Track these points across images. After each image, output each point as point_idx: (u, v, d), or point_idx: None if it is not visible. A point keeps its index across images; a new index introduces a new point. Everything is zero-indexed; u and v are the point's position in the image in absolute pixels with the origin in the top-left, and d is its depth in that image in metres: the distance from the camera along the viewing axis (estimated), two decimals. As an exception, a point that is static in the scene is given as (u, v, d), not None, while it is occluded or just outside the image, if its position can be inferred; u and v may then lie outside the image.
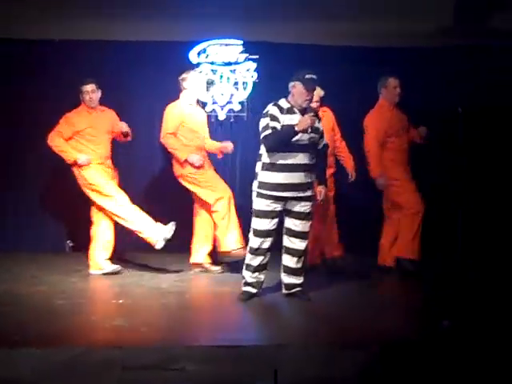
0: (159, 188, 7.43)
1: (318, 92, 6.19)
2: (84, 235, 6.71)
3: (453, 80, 7.23)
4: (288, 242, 5.52)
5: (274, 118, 5.33)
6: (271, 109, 5.39)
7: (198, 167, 6.44)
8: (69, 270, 6.61)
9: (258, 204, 5.44)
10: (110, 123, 6.58)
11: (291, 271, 5.54)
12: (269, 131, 5.32)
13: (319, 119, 5.50)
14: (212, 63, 7.56)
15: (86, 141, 6.44)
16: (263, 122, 5.40)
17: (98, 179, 6.38)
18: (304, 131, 5.25)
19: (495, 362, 4.22)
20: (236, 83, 7.59)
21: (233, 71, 7.60)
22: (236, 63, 7.58)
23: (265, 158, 5.44)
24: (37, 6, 6.69)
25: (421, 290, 5.99)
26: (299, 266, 5.53)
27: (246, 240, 5.69)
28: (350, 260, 6.64)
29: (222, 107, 7.57)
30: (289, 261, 5.53)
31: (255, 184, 5.48)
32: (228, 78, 7.60)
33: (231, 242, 6.38)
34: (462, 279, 6.05)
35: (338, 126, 6.65)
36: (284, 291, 5.62)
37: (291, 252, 5.52)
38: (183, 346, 4.29)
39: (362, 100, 7.03)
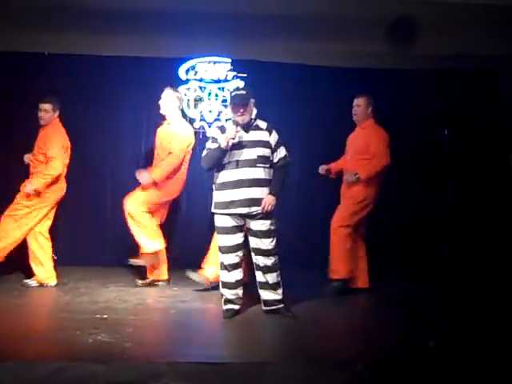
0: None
1: None
2: (66, 248, 6.69)
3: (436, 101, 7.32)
4: (255, 259, 5.57)
5: (213, 140, 5.50)
6: (213, 131, 5.65)
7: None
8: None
9: (217, 221, 5.54)
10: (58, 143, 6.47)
11: (267, 286, 5.55)
12: (204, 153, 5.56)
13: (269, 132, 5.52)
14: (201, 80, 7.60)
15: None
16: (206, 144, 5.60)
17: None
18: (228, 144, 5.32)
19: (482, 380, 4.24)
20: (224, 100, 7.62)
21: (221, 89, 7.64)
22: (225, 81, 7.62)
23: (215, 178, 5.55)
24: (23, 19, 6.70)
25: (406, 311, 5.99)
26: (274, 281, 5.54)
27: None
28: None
29: (210, 124, 7.59)
30: (261, 276, 5.56)
31: (213, 205, 5.55)
32: (216, 95, 7.63)
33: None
34: (447, 298, 6.07)
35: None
36: (264, 307, 5.62)
37: (260, 269, 5.55)
38: (167, 362, 4.26)
39: (350, 119, 7.10)
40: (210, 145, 5.51)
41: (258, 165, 5.43)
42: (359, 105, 6.43)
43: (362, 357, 4.43)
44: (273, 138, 5.53)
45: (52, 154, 6.37)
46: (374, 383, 4.17)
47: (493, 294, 6.37)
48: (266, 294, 5.58)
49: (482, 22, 6.78)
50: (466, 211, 7.24)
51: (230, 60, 7.58)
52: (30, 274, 6.54)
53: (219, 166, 5.45)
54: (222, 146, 5.36)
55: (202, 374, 4.19)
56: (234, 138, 5.35)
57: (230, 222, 5.46)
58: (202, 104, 7.60)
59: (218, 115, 7.62)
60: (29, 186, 6.34)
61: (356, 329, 5.40)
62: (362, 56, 7.23)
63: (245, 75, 7.58)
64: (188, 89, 7.56)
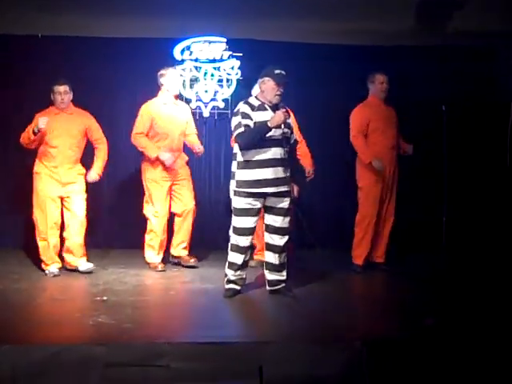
0: (142, 189, 7.36)
1: None
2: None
3: (434, 78, 7.29)
4: (269, 238, 5.54)
5: (245, 116, 5.34)
6: (242, 107, 5.41)
7: (168, 167, 6.45)
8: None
9: (238, 202, 5.45)
10: (79, 126, 6.36)
11: (273, 268, 5.56)
12: (241, 129, 5.34)
13: (289, 115, 5.49)
14: (196, 60, 7.56)
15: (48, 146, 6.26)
16: (235, 120, 5.43)
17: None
18: (277, 127, 5.27)
19: (481, 359, 4.25)
20: (220, 80, 7.58)
21: (217, 68, 7.59)
22: (220, 60, 7.58)
23: (239, 156, 5.46)
24: (19, 2, 6.64)
25: (405, 288, 6.01)
26: (281, 262, 5.54)
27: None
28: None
29: (206, 104, 7.56)
30: (271, 257, 5.55)
31: (233, 183, 5.52)
32: (212, 75, 7.59)
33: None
34: (446, 276, 6.08)
35: (297, 125, 6.65)
36: (268, 288, 5.63)
37: (272, 248, 5.53)
38: (167, 343, 4.27)
39: (346, 97, 7.07)
40: (244, 121, 5.33)
41: (286, 144, 5.40)
42: (383, 82, 6.49)
43: (361, 334, 4.45)
44: (291, 120, 5.50)
45: (100, 138, 6.45)
46: (372, 361, 4.19)
47: (492, 273, 6.38)
48: (270, 275, 5.59)
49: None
50: (464, 188, 7.25)
51: (225, 39, 7.53)
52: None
53: (259, 144, 5.33)
54: (270, 126, 5.25)
55: (202, 354, 4.21)
56: (284, 122, 5.29)
57: (252, 204, 5.39)
58: (197, 84, 7.56)
59: (214, 95, 7.59)
60: (93, 174, 6.34)
61: (355, 307, 5.42)
62: (358, 33, 7.19)
63: (240, 54, 7.54)
64: (183, 69, 7.51)
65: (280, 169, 5.37)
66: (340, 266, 6.65)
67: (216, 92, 7.60)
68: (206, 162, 7.61)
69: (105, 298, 5.47)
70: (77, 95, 6.48)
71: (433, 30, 7.19)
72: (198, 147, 6.63)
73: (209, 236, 7.37)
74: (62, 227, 6.38)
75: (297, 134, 6.37)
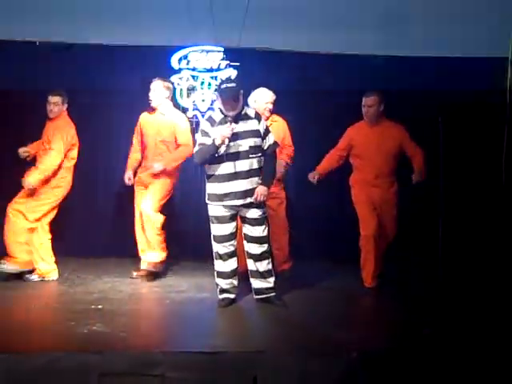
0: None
1: (268, 96, 6.34)
2: (60, 239, 6.66)
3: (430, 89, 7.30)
4: (247, 247, 5.57)
5: (204, 134, 5.44)
6: (202, 124, 5.56)
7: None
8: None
9: (210, 211, 5.52)
10: (62, 138, 6.32)
11: (257, 275, 5.56)
12: (196, 148, 5.50)
13: (258, 120, 5.50)
14: (193, 69, 7.57)
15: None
16: (196, 138, 5.58)
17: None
18: (223, 143, 5.30)
19: (477, 370, 4.25)
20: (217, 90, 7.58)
21: (214, 78, 7.61)
22: (217, 70, 7.59)
23: (207, 169, 5.52)
24: (11, 9, 6.66)
25: (400, 299, 6.00)
26: (264, 269, 5.54)
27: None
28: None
29: (203, 113, 7.56)
30: (252, 265, 5.57)
31: (206, 195, 5.54)
32: (209, 85, 7.60)
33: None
34: (442, 287, 6.08)
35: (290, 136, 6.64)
36: (254, 296, 5.63)
37: (251, 257, 5.55)
38: (162, 352, 4.27)
39: (343, 108, 7.09)
40: (201, 139, 5.45)
41: (251, 156, 5.41)
42: (365, 105, 6.24)
43: (357, 344, 4.45)
44: (262, 126, 5.51)
45: (52, 147, 6.25)
46: (368, 371, 4.18)
47: (488, 281, 6.38)
48: (256, 283, 5.59)
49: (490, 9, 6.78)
50: (460, 199, 7.25)
51: (222, 49, 7.54)
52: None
53: (213, 160, 5.41)
54: (216, 144, 5.32)
55: (197, 363, 4.20)
56: (229, 138, 5.31)
57: (224, 212, 5.46)
58: (194, 93, 7.57)
59: (211, 104, 7.59)
60: (27, 181, 6.19)
61: (350, 317, 5.41)
62: (356, 43, 7.21)
63: (237, 64, 7.55)
64: (180, 78, 7.52)
65: (245, 181, 5.40)
66: (336, 278, 6.65)
67: (213, 101, 7.60)
68: (196, 168, 7.59)
69: (100, 306, 5.46)
70: (71, 103, 6.48)
71: (429, 41, 7.22)
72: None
73: (203, 244, 7.34)
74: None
75: (286, 142, 6.38)
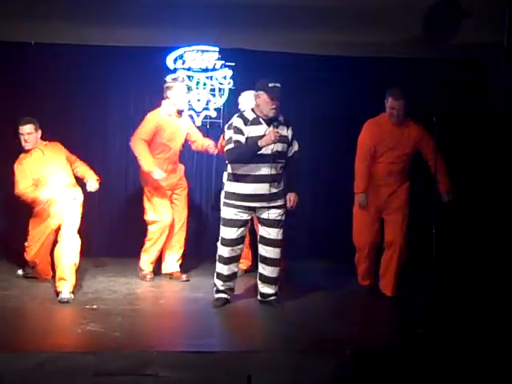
0: (133, 196, 7.37)
1: None
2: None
3: (425, 90, 7.31)
4: (262, 250, 5.54)
5: (237, 131, 5.34)
6: (235, 121, 5.40)
7: (156, 185, 6.42)
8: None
9: (226, 213, 5.46)
10: (56, 164, 6.15)
11: (266, 280, 5.56)
12: (231, 145, 5.35)
13: (287, 126, 5.47)
14: (188, 69, 7.56)
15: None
16: (227, 134, 5.44)
17: None
18: (268, 145, 5.26)
19: (470, 369, 4.27)
20: (212, 90, 7.60)
21: (209, 78, 7.61)
22: (213, 70, 7.59)
23: (229, 168, 5.48)
24: (9, 8, 6.65)
25: (394, 298, 6.01)
26: (273, 275, 5.55)
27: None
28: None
29: (199, 113, 7.57)
30: (263, 269, 5.56)
31: (222, 194, 5.52)
32: (205, 84, 7.60)
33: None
34: (435, 287, 6.09)
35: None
36: (259, 298, 5.65)
37: (265, 261, 5.54)
38: (156, 352, 4.28)
39: (339, 108, 7.11)
40: (236, 136, 5.32)
41: (278, 160, 5.38)
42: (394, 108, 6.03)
43: (350, 344, 4.46)
44: (290, 132, 5.48)
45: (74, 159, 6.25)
46: (361, 370, 4.20)
47: (481, 281, 6.39)
48: (263, 287, 5.60)
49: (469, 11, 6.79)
50: (454, 199, 7.25)
51: (217, 49, 7.54)
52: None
53: (249, 161, 5.32)
54: (260, 145, 5.23)
55: (191, 363, 4.22)
56: (275, 141, 5.26)
57: (240, 216, 5.41)
58: (190, 93, 7.57)
59: (207, 104, 7.60)
60: (93, 183, 6.11)
61: (344, 316, 5.42)
62: (351, 45, 7.21)
63: (233, 64, 7.56)
64: (183, 82, 7.50)
65: (269, 185, 5.37)
66: (331, 277, 6.66)
67: (208, 101, 7.61)
68: (197, 171, 7.61)
69: (94, 306, 5.46)
70: (67, 104, 6.49)
71: (426, 42, 7.23)
72: (212, 149, 6.62)
73: (199, 245, 7.36)
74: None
75: None
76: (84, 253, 6.60)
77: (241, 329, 5.13)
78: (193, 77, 7.58)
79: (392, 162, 6.11)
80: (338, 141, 7.30)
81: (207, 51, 7.55)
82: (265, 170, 5.34)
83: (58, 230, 6.04)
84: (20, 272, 6.46)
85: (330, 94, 7.39)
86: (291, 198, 5.49)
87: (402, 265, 6.09)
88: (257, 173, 5.34)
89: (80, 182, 6.25)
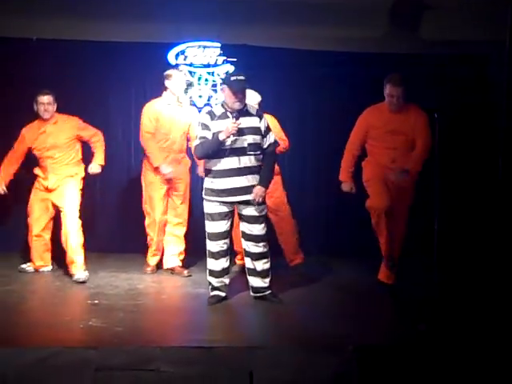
0: (135, 190, 7.35)
1: (256, 97, 6.29)
2: (57, 234, 6.67)
3: (427, 86, 7.31)
4: (245, 245, 5.55)
5: (204, 127, 5.41)
6: (203, 117, 5.52)
7: (151, 180, 6.49)
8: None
9: (207, 207, 5.49)
10: (68, 133, 6.39)
11: (254, 273, 5.56)
12: (197, 141, 5.45)
13: (260, 118, 5.48)
14: (190, 65, 7.55)
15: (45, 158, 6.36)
16: (196, 130, 5.56)
17: None
18: (228, 138, 5.29)
19: (472, 366, 4.27)
20: (214, 85, 7.59)
21: (211, 73, 7.60)
22: (214, 65, 7.58)
23: (205, 164, 5.51)
24: (10, 4, 6.65)
25: (396, 295, 6.01)
26: (262, 268, 5.53)
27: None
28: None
29: (200, 109, 7.56)
30: (250, 263, 5.56)
31: (203, 190, 5.54)
32: (206, 80, 7.60)
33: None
34: (437, 284, 6.09)
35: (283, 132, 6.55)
36: (252, 293, 5.64)
37: (249, 255, 5.54)
38: (158, 347, 4.28)
39: (339, 102, 7.10)
40: (202, 133, 5.41)
41: (249, 152, 5.39)
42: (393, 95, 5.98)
43: (352, 339, 4.46)
44: (263, 124, 5.49)
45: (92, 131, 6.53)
46: (364, 366, 4.20)
47: (483, 278, 6.39)
48: (254, 281, 5.59)
49: (471, 7, 6.79)
50: (456, 196, 7.26)
51: (219, 45, 7.53)
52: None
53: (214, 154, 5.38)
54: (220, 139, 5.29)
55: (192, 358, 4.22)
56: (234, 133, 5.30)
57: (220, 209, 5.44)
58: (191, 89, 7.56)
59: (208, 100, 7.59)
60: (95, 166, 6.47)
61: (346, 312, 5.42)
62: (350, 40, 7.21)
63: (235, 60, 7.55)
64: (183, 73, 7.49)
65: (244, 178, 5.38)
66: (332, 272, 6.66)
67: (210, 97, 7.60)
68: (195, 166, 7.60)
69: (96, 301, 5.47)
70: (69, 99, 6.48)
71: (425, 37, 7.23)
72: None
73: (200, 241, 7.35)
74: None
75: (278, 136, 6.32)
76: (85, 247, 6.64)
77: (242, 324, 5.14)
78: (194, 72, 7.57)
79: (395, 148, 6.05)
80: (340, 136, 7.29)
81: (209, 47, 7.54)
82: (237, 163, 5.36)
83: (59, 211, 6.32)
84: (23, 266, 6.47)
85: (333, 91, 7.37)
86: (257, 192, 5.40)
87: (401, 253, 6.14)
88: (229, 167, 5.36)
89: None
